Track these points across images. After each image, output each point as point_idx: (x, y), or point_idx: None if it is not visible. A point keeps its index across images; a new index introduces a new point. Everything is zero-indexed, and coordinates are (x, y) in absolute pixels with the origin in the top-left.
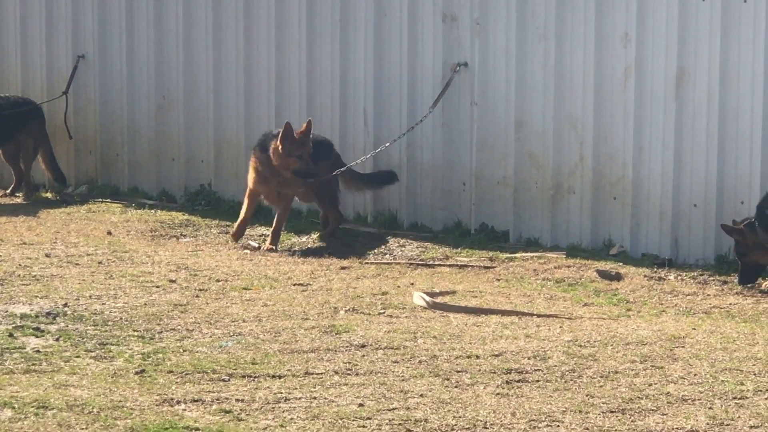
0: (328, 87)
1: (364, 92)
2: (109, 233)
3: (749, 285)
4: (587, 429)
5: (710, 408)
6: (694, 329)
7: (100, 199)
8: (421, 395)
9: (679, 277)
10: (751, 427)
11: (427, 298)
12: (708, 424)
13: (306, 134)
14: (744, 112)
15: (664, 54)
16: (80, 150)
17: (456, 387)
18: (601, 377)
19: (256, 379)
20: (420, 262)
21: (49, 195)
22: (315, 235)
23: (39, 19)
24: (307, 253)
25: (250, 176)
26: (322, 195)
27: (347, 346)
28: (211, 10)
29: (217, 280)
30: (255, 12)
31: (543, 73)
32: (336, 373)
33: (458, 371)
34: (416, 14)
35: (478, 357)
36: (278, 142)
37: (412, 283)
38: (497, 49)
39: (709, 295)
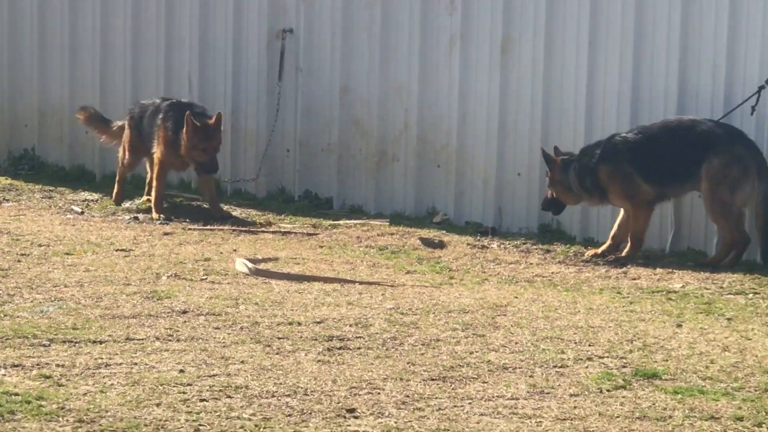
0: (153, 52)
1: (189, 58)
2: None
3: (552, 213)
4: (408, 396)
5: (531, 376)
6: (516, 298)
7: None
8: (242, 362)
9: (502, 246)
10: (571, 395)
11: (250, 265)
12: (528, 392)
13: (215, 128)
14: (568, 82)
15: (490, 22)
16: None
17: (277, 354)
18: (423, 345)
19: (76, 345)
20: (243, 229)
21: None
22: (139, 201)
23: None
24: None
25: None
26: None
27: (169, 312)
28: None
29: (40, 245)
30: None
31: (368, 39)
32: (157, 338)
33: (280, 338)
34: None
35: (299, 324)
36: (185, 135)
37: (235, 250)
38: (323, 15)
39: (531, 263)
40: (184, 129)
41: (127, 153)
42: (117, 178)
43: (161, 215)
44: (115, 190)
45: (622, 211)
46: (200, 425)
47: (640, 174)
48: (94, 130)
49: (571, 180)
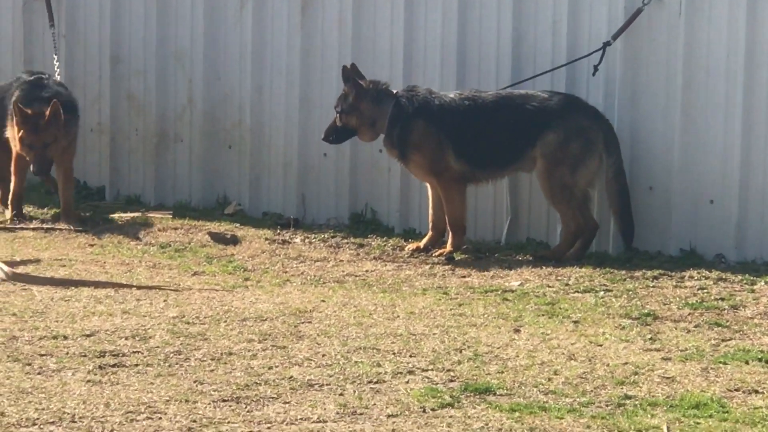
0: None
1: None
2: None
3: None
4: (194, 421)
5: (341, 394)
6: (324, 301)
7: None
8: None
9: (307, 240)
10: (388, 416)
11: (6, 269)
12: (338, 413)
13: (50, 122)
14: (382, 41)
15: None
16: None
17: (39, 374)
18: (213, 360)
19: None
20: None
21: None
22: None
23: None
24: None
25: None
26: None
27: None
28: None
29: None
30: None
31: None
32: None
33: (42, 355)
34: None
35: (66, 338)
36: (17, 127)
37: None
38: None
39: (342, 260)
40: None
41: None
42: None
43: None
44: None
45: (430, 191)
46: None
47: (453, 147)
48: None
49: (378, 115)
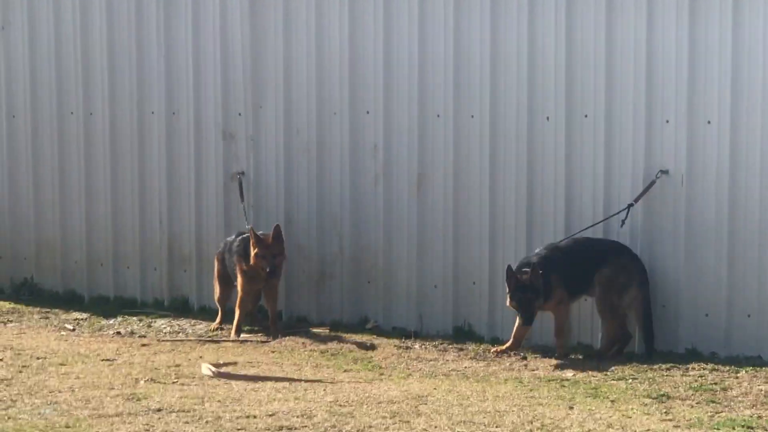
0: (129, 195)
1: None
2: None
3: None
4: None
5: None
6: (435, 389)
7: None
8: None
9: (423, 346)
10: None
11: (213, 369)
12: None
13: (275, 238)
14: (473, 208)
15: (407, 161)
16: None
17: None
18: (357, 431)
19: None
20: (208, 339)
21: None
22: (120, 318)
23: None
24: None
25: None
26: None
27: (146, 411)
28: (30, 139)
29: (38, 358)
30: (66, 142)
31: (307, 179)
32: None
33: (238, 429)
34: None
35: (255, 417)
36: (253, 247)
37: (201, 356)
38: (269, 160)
39: (448, 360)
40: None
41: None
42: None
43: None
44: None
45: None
46: None
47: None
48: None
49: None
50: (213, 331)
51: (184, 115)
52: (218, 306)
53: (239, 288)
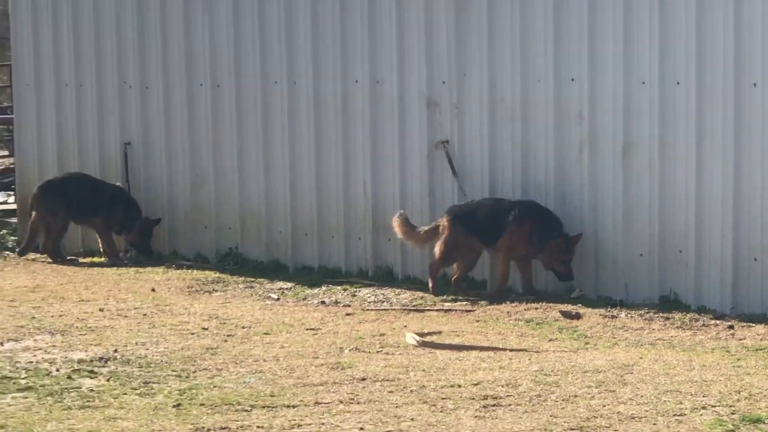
0: (333, 165)
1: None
2: (153, 290)
3: None
4: None
5: (654, 424)
6: (641, 358)
7: (146, 263)
8: (412, 419)
9: (629, 315)
10: None
11: (417, 338)
12: None
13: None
14: (680, 176)
15: (612, 129)
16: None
17: (441, 411)
18: (563, 400)
19: (274, 409)
20: (412, 308)
21: (103, 259)
22: (325, 288)
23: (92, 113)
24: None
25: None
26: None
27: (350, 380)
28: (234, 105)
29: (243, 327)
30: (270, 106)
31: (511, 148)
32: (341, 402)
33: (443, 398)
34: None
35: (459, 386)
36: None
37: (405, 326)
38: (473, 128)
39: (653, 329)
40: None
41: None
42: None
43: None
44: (431, 284)
45: None
46: None
47: None
48: (404, 234)
49: None
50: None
51: (388, 83)
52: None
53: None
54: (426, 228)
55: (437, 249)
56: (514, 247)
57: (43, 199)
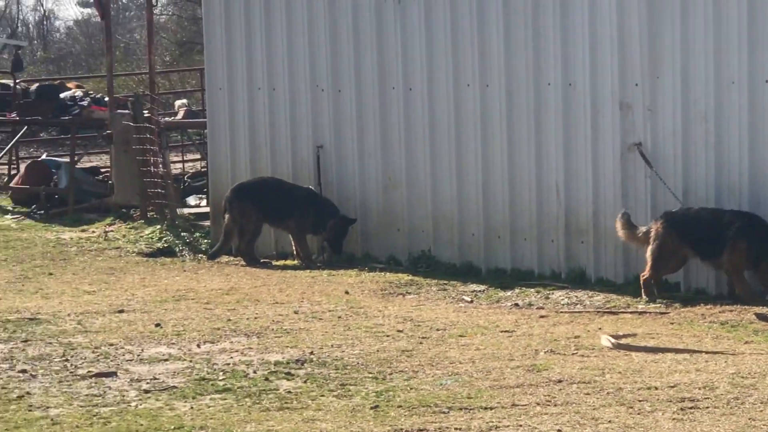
0: (526, 168)
1: (555, 167)
2: (347, 293)
3: None
4: None
5: None
6: None
7: (339, 265)
8: (610, 421)
9: None
10: None
11: (613, 340)
12: None
13: None
14: None
15: None
16: None
17: (638, 414)
18: (762, 403)
19: (471, 411)
20: (606, 310)
21: (296, 262)
22: (518, 290)
23: (285, 116)
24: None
25: None
26: None
27: (546, 382)
28: (426, 108)
29: (437, 330)
30: (462, 109)
31: (705, 149)
32: (538, 404)
33: (640, 401)
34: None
35: (656, 388)
36: None
37: (600, 328)
38: (666, 130)
39: None
40: None
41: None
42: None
43: None
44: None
45: None
46: None
47: None
48: (625, 235)
49: None
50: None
51: (581, 85)
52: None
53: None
54: (643, 230)
55: (649, 255)
56: (739, 263)
57: (237, 202)
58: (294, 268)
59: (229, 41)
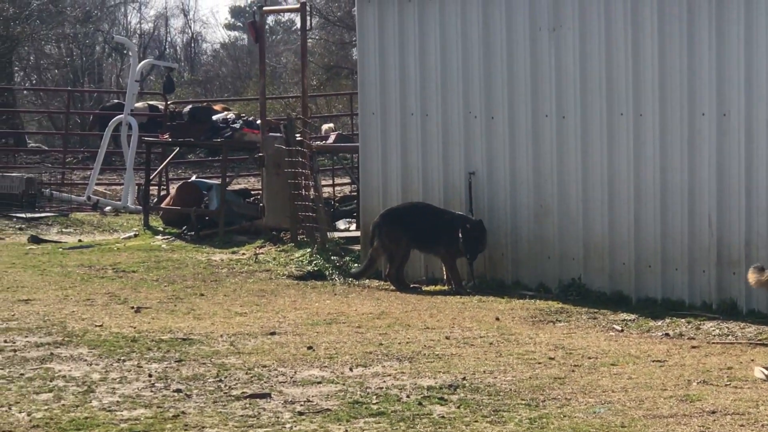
0: (678, 197)
1: (708, 200)
2: (497, 319)
3: None
4: None
5: None
6: None
7: (489, 291)
8: None
9: None
10: None
11: (766, 372)
12: None
13: None
14: None
15: None
16: None
17: None
18: None
19: None
20: (758, 342)
21: (446, 287)
22: (668, 320)
23: (437, 142)
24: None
25: None
26: None
27: (700, 413)
28: (579, 136)
29: (589, 358)
30: (615, 138)
31: None
32: None
33: None
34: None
35: None
36: None
37: (752, 360)
38: None
39: None
40: None
41: None
42: None
43: None
44: None
45: None
46: None
47: None
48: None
49: None
50: None
51: (735, 115)
52: None
53: None
54: None
55: None
56: None
57: (386, 227)
58: (443, 293)
59: (382, 66)
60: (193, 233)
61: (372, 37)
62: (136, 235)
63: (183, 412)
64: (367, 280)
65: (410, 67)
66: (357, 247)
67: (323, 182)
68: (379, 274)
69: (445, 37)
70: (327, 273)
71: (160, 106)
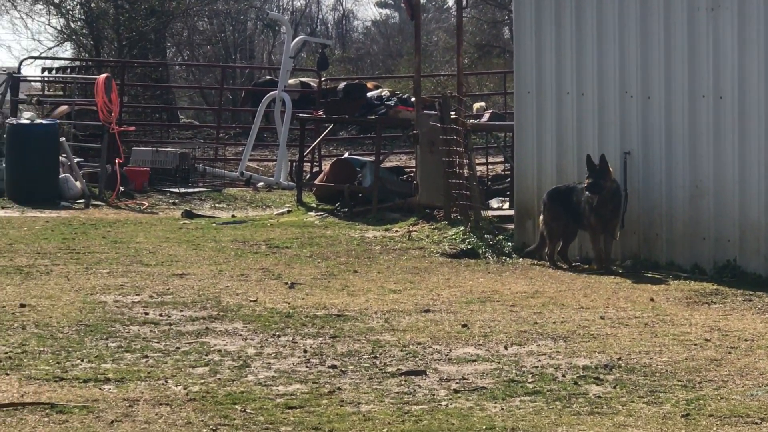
0: None
1: None
2: (652, 300)
3: None
4: None
5: None
6: None
7: (643, 272)
8: None
9: None
10: None
11: None
12: None
13: None
14: None
15: None
16: (626, 230)
17: None
18: None
19: None
20: None
21: (594, 266)
22: None
23: (593, 121)
24: None
25: None
26: None
27: None
28: (737, 117)
29: (745, 340)
30: None
31: None
32: None
33: None
34: None
35: None
36: None
37: None
38: None
39: None
40: None
41: None
42: None
43: None
44: None
45: None
46: None
47: None
48: None
49: None
50: None
51: None
52: None
53: None
54: None
55: None
56: None
57: (549, 204)
58: (597, 273)
59: (538, 46)
60: (346, 210)
61: (529, 16)
62: (289, 211)
63: (339, 388)
64: (520, 259)
65: (566, 45)
66: (510, 226)
67: (476, 161)
68: (530, 253)
69: (601, 16)
70: (480, 251)
71: (312, 83)
